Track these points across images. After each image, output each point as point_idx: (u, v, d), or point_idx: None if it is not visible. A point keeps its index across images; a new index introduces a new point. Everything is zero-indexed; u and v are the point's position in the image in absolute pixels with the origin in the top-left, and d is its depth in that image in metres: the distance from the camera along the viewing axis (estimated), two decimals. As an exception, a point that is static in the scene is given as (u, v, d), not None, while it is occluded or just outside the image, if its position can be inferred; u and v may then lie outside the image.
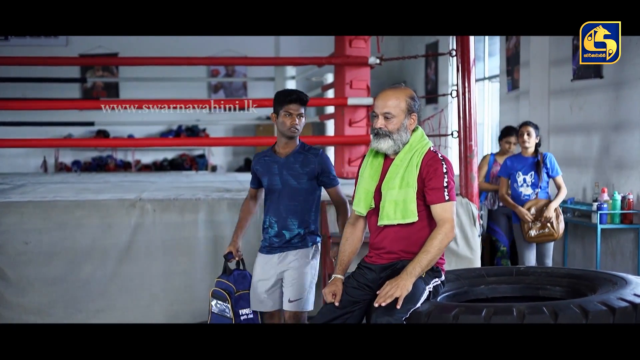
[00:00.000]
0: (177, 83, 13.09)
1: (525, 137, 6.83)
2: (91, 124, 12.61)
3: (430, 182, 3.80)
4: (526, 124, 6.96)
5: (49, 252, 5.98)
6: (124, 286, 6.06)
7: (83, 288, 6.01)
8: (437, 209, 3.80)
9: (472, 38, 6.57)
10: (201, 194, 6.52)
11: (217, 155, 15.56)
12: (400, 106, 3.87)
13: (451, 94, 6.72)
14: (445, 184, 3.78)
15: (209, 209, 6.20)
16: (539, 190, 6.84)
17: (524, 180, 6.87)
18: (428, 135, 4.13)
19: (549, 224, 6.71)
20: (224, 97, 15.38)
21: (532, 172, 6.84)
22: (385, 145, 3.88)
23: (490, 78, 11.18)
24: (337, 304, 3.87)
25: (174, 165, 15.28)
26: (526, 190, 6.86)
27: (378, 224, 3.89)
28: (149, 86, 13.26)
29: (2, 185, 7.83)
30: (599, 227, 7.04)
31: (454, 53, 6.67)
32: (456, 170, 8.71)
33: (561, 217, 6.78)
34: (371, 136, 3.96)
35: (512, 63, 9.80)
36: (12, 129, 11.46)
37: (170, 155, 15.56)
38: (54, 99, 10.83)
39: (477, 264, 6.42)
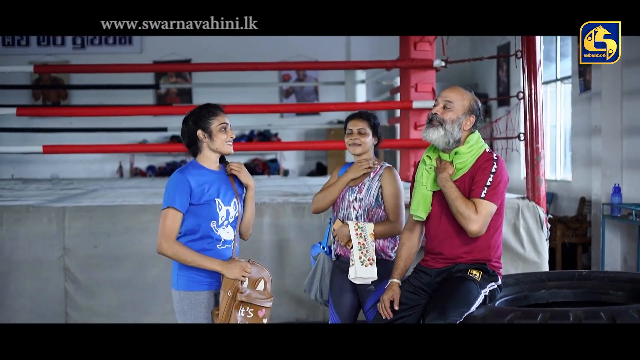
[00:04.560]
0: (249, 88, 13.22)
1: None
2: (164, 129, 12.82)
3: (476, 176, 3.80)
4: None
5: (117, 255, 6.08)
6: (190, 289, 6.12)
7: (150, 291, 6.08)
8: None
9: (538, 39, 6.45)
10: (267, 198, 6.55)
11: (289, 160, 15.64)
12: (464, 102, 3.88)
13: (517, 95, 6.59)
14: (488, 183, 3.75)
15: (274, 212, 6.22)
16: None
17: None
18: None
19: None
20: (296, 102, 15.46)
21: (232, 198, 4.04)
22: (435, 135, 3.86)
23: (562, 79, 10.97)
24: (396, 307, 3.87)
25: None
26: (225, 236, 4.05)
27: None
28: (221, 92, 13.40)
29: (75, 190, 8.02)
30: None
31: (519, 55, 6.53)
32: (523, 173, 8.59)
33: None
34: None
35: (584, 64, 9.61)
36: (88, 135, 11.69)
37: (242, 160, 15.67)
38: (128, 105, 11.08)
39: (545, 268, 6.28)
